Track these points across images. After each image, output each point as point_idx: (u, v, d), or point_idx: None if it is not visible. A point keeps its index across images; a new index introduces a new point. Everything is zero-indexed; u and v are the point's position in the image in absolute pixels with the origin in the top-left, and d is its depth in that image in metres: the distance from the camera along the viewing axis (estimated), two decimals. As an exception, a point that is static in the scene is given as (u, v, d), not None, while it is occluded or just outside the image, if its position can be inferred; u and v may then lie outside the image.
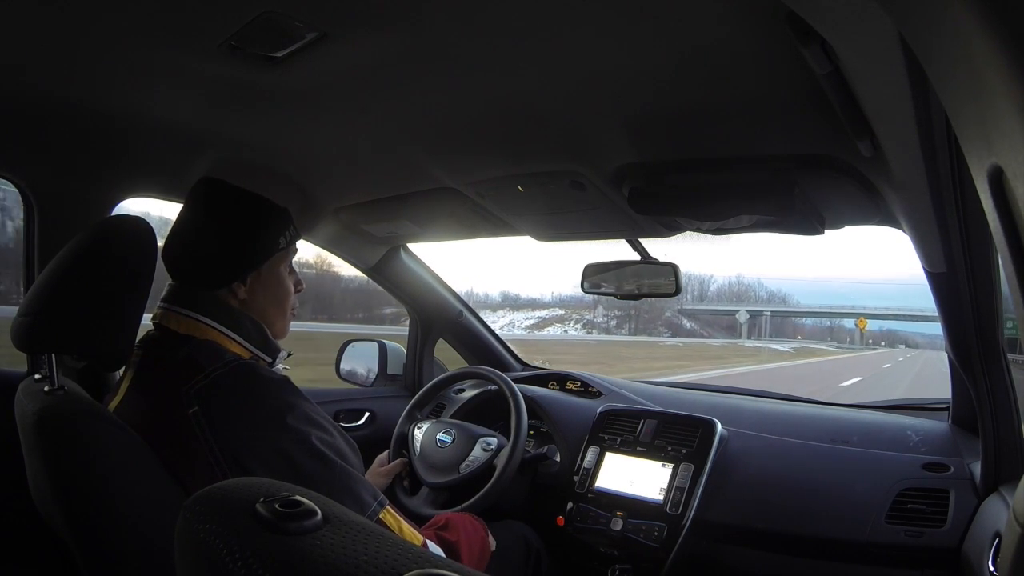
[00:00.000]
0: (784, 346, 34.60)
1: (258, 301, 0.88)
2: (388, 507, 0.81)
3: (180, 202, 0.93)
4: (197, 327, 0.82)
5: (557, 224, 1.29)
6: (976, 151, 0.35)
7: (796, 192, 0.89)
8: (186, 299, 0.84)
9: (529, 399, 1.42)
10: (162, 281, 0.87)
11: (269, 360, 0.88)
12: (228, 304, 0.86)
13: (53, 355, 0.77)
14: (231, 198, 0.88)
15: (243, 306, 0.87)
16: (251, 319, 0.87)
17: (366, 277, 1.72)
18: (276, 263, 0.90)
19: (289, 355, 0.93)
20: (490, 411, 1.47)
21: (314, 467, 0.75)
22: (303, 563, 0.30)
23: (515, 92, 0.82)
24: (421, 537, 0.85)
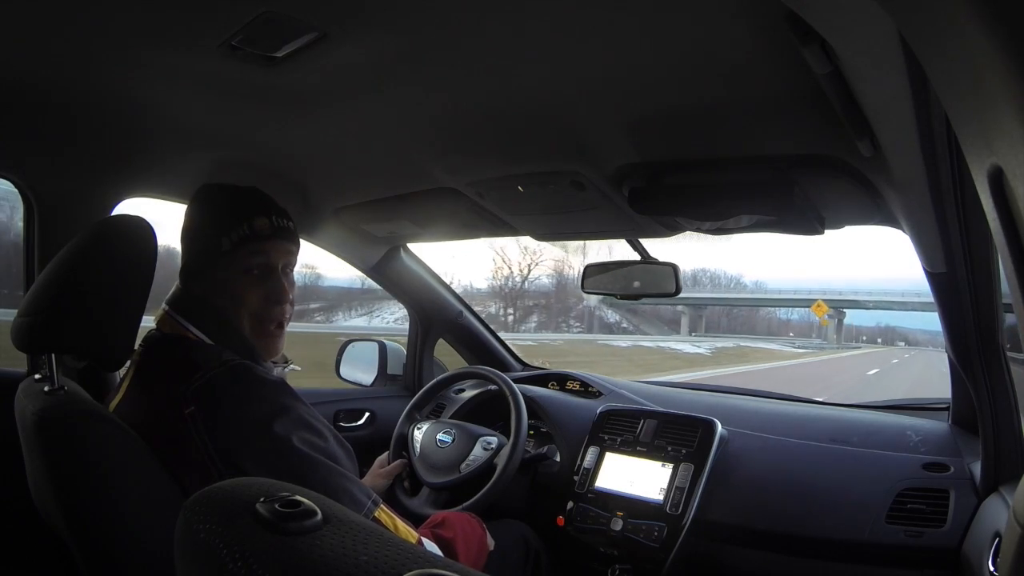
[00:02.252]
0: (700, 347, 24.79)
1: (217, 308, 0.83)
2: (382, 506, 0.81)
3: (180, 202, 0.93)
4: (186, 333, 0.83)
5: (557, 224, 1.29)
6: (976, 151, 0.35)
7: (796, 192, 0.89)
8: (180, 304, 0.85)
9: (529, 399, 1.42)
10: (162, 281, 0.88)
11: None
12: (219, 314, 0.84)
13: (53, 355, 0.77)
14: (198, 194, 0.89)
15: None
16: (239, 334, 0.83)
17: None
18: (226, 267, 0.83)
19: (288, 363, 0.93)
20: (490, 411, 1.47)
21: (308, 468, 0.75)
22: (303, 563, 0.30)
23: (515, 92, 0.82)
24: (416, 535, 0.85)
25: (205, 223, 0.86)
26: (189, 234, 0.87)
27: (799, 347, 32.23)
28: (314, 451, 0.76)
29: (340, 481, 0.77)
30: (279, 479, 0.38)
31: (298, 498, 0.33)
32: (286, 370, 0.91)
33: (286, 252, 0.87)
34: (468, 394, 1.53)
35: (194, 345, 0.81)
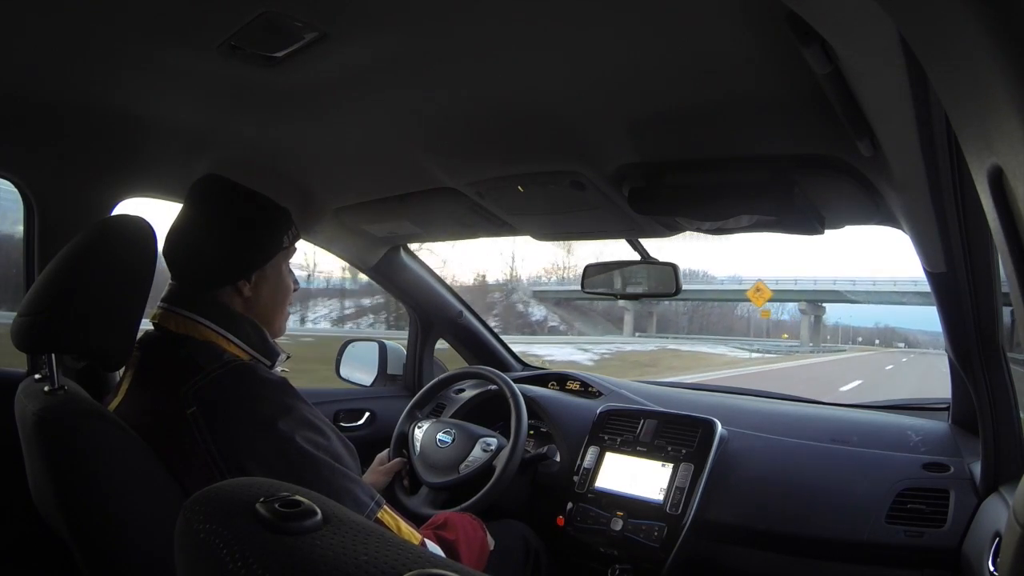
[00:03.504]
0: (590, 351, 19.07)
1: (262, 299, 0.89)
2: (386, 507, 0.81)
3: (180, 202, 0.93)
4: (196, 328, 0.82)
5: (557, 224, 1.29)
6: (976, 151, 0.35)
7: (796, 192, 0.90)
8: (186, 300, 0.84)
9: (529, 399, 1.42)
10: (162, 281, 0.87)
11: (268, 363, 0.88)
12: (228, 306, 0.85)
13: (53, 355, 0.77)
14: (236, 197, 0.89)
15: (247, 304, 0.87)
16: (251, 322, 0.87)
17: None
18: (279, 261, 0.91)
19: (288, 357, 0.93)
20: (490, 411, 1.47)
21: (311, 468, 0.75)
22: (303, 563, 0.30)
23: (515, 92, 0.82)
24: (419, 536, 0.85)
25: (268, 223, 0.89)
26: (238, 235, 0.87)
27: (757, 351, 24.17)
28: (318, 450, 0.76)
29: (343, 482, 0.77)
30: (282, 479, 0.39)
31: (298, 498, 0.33)
32: (283, 360, 0.92)
33: None
34: (468, 394, 1.53)
35: (197, 345, 0.81)
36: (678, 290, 1.37)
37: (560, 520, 1.30)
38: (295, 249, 0.95)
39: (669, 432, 1.30)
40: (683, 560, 1.16)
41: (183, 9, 0.67)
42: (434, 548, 0.88)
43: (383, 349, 1.79)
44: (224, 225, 0.87)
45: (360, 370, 1.78)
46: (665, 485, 1.22)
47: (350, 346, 1.79)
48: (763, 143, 0.87)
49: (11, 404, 0.82)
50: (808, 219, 0.96)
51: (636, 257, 1.39)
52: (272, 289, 0.90)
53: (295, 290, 0.96)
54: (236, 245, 0.86)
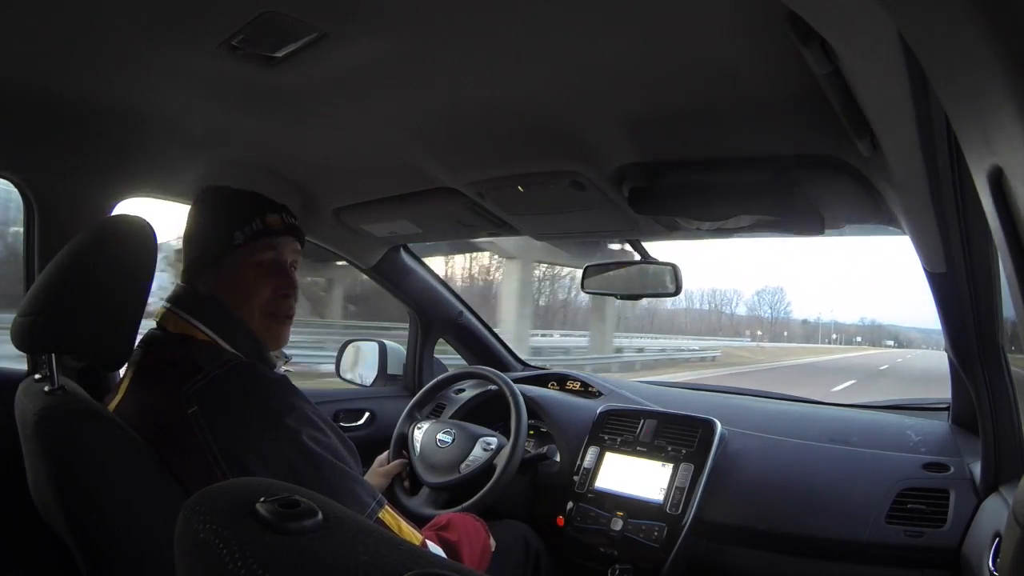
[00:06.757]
0: None
1: (221, 301, 0.84)
2: (387, 507, 0.81)
3: (180, 202, 0.93)
4: (193, 330, 0.82)
5: (557, 224, 1.29)
6: (976, 151, 0.35)
7: (796, 192, 0.90)
8: (186, 302, 0.84)
9: (529, 399, 1.42)
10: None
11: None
12: (227, 308, 0.85)
13: (53, 355, 0.77)
14: (204, 195, 0.89)
15: None
16: (245, 328, 0.85)
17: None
18: (236, 261, 0.84)
19: (288, 359, 0.93)
20: (490, 411, 1.47)
21: (312, 467, 0.75)
22: (303, 563, 0.30)
23: (515, 92, 0.82)
24: (420, 536, 0.85)
25: (218, 218, 0.87)
26: (198, 230, 0.87)
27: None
28: (320, 449, 0.76)
29: (345, 481, 0.77)
30: (284, 477, 0.39)
31: (298, 498, 0.33)
32: (285, 367, 0.91)
33: (294, 250, 0.91)
34: (468, 394, 1.53)
35: (197, 345, 0.81)
36: (678, 290, 1.37)
37: (560, 520, 1.29)
38: (264, 247, 0.85)
39: (669, 432, 1.30)
40: (683, 560, 1.16)
41: (183, 9, 0.67)
42: (435, 549, 0.88)
43: (383, 349, 1.79)
44: (187, 224, 0.88)
45: (360, 370, 1.78)
46: (665, 485, 1.22)
47: (350, 346, 1.79)
48: (763, 143, 0.87)
49: (11, 404, 0.82)
50: (808, 219, 0.96)
51: (636, 257, 1.39)
52: (229, 292, 0.84)
53: (280, 295, 0.87)
54: (190, 242, 0.87)
